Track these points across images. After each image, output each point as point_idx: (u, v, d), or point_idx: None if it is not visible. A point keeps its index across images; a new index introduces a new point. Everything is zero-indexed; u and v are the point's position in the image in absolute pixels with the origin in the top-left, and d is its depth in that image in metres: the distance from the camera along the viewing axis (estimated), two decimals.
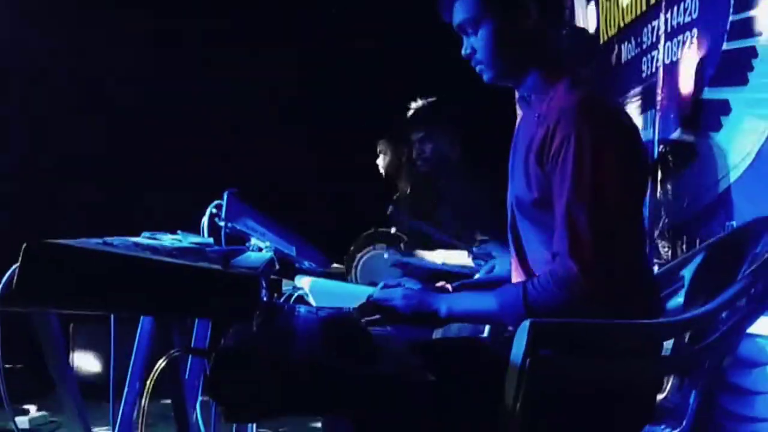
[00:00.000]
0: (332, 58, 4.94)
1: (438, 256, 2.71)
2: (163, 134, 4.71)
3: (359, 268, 3.09)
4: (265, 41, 4.90)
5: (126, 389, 1.97)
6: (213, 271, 1.35)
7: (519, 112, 1.81)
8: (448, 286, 1.83)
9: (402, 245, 3.08)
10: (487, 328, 2.08)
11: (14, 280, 1.30)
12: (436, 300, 1.68)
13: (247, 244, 2.06)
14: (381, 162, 4.07)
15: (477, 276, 2.16)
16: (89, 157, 4.77)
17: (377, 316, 1.71)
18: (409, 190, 3.93)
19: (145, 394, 1.63)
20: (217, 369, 1.30)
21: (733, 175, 2.17)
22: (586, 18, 3.36)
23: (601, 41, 3.17)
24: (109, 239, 1.47)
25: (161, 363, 1.58)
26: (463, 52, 1.72)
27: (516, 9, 1.66)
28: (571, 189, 1.52)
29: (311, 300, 1.85)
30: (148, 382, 1.61)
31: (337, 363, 1.36)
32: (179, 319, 1.73)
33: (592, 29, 3.26)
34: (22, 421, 3.85)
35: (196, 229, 1.97)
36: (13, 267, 1.30)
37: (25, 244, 1.29)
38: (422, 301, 1.68)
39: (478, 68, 1.72)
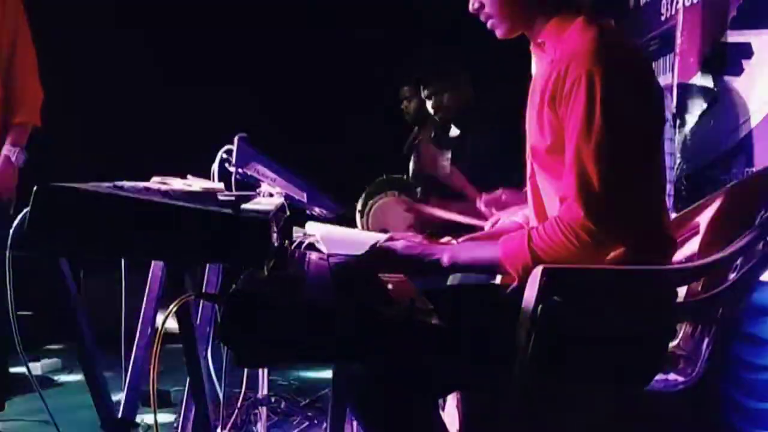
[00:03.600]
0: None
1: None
2: (174, 80, 4.67)
3: (370, 215, 3.06)
4: None
5: (137, 335, 1.98)
6: (224, 215, 1.33)
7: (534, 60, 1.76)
8: (454, 241, 1.81)
9: (416, 192, 3.05)
10: (499, 276, 2.06)
11: (25, 224, 1.29)
12: (438, 249, 1.66)
13: (257, 190, 2.04)
14: (405, 107, 4.04)
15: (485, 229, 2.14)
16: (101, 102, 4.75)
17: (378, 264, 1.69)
18: (431, 136, 3.89)
19: (156, 339, 1.64)
20: (229, 314, 1.30)
21: (754, 120, 2.13)
22: None
23: None
24: (119, 183, 1.45)
25: (172, 308, 1.58)
26: (470, 7, 1.67)
27: None
28: (580, 131, 1.48)
29: (322, 247, 1.83)
30: (159, 327, 1.62)
31: (348, 309, 1.36)
32: (190, 264, 1.72)
33: None
34: (34, 368, 3.90)
35: (206, 175, 1.96)
36: (24, 211, 1.29)
37: (35, 188, 1.28)
38: (424, 251, 1.65)
39: (489, 23, 1.67)
